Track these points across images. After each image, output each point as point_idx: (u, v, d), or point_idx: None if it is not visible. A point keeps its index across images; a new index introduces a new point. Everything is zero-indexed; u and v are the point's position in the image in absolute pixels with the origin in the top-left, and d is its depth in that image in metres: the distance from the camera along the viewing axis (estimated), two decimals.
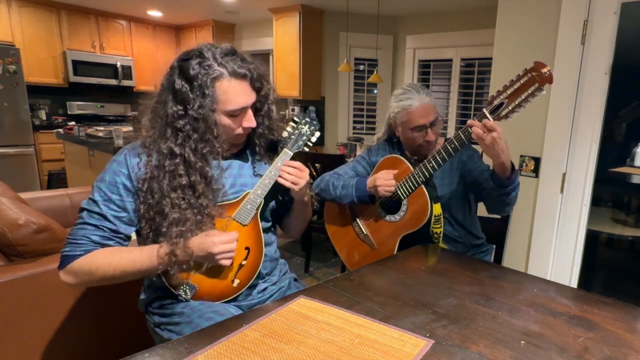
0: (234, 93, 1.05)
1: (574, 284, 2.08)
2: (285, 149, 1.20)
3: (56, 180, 4.66)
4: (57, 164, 4.76)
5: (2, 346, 1.29)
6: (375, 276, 1.17)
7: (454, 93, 4.47)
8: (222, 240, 1.05)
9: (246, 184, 1.18)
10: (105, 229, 1.03)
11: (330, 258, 3.46)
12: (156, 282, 1.15)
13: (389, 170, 1.52)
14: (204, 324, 1.00)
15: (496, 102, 1.24)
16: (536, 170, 2.08)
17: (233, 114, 1.08)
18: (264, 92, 1.15)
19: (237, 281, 1.14)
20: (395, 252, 1.54)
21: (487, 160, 1.48)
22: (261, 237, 1.18)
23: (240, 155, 1.22)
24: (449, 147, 1.36)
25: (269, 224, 1.27)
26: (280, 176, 1.17)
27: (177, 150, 1.04)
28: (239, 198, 1.15)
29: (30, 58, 4.68)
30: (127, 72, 5.43)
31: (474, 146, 1.54)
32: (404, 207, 1.54)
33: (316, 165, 2.97)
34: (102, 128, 4.15)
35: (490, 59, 2.22)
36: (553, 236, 2.07)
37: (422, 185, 1.47)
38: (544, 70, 1.15)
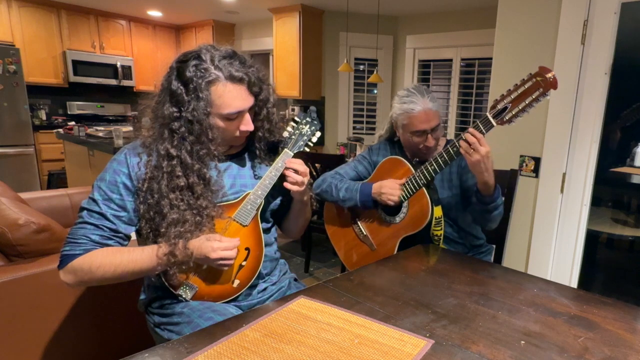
0: (229, 97, 1.05)
1: (574, 284, 2.08)
2: (285, 149, 1.20)
3: (56, 180, 4.66)
4: (57, 164, 4.77)
5: (2, 346, 1.29)
6: (375, 276, 1.17)
7: (454, 93, 4.47)
8: (222, 247, 1.04)
9: (246, 184, 1.18)
10: (105, 228, 1.03)
11: (330, 258, 3.46)
12: (156, 282, 1.15)
13: (396, 180, 1.52)
14: (204, 324, 1.00)
15: (500, 106, 1.24)
16: (536, 170, 2.08)
17: (229, 118, 1.07)
18: (263, 96, 1.14)
19: (237, 282, 1.14)
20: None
21: None
22: (261, 238, 1.18)
23: (240, 155, 1.22)
24: (451, 151, 1.36)
25: (269, 224, 1.27)
26: (284, 178, 1.16)
27: (173, 152, 1.04)
28: (239, 198, 1.15)
29: (30, 58, 4.68)
30: (127, 72, 5.43)
31: None
32: (404, 209, 1.54)
33: (316, 165, 2.97)
34: (102, 128, 4.15)
35: (490, 59, 2.22)
36: (553, 236, 2.07)
37: (423, 188, 1.47)
38: (549, 75, 1.15)
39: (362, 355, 0.79)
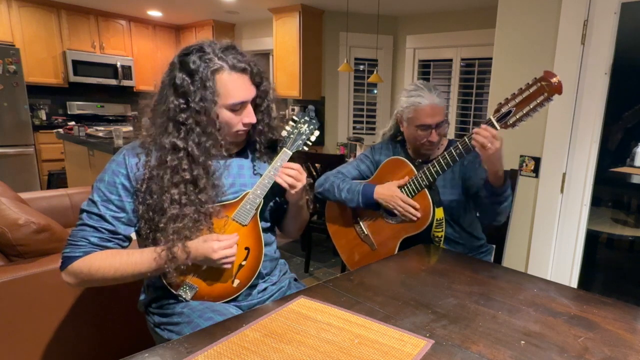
0: (234, 86, 1.06)
1: (574, 284, 2.08)
2: (284, 149, 1.20)
3: (56, 180, 4.66)
4: (57, 164, 4.77)
5: (2, 346, 1.29)
6: (375, 276, 1.17)
7: (454, 93, 4.47)
8: (221, 246, 1.04)
9: (246, 183, 1.18)
10: (103, 230, 1.03)
11: (330, 258, 3.46)
12: (156, 282, 1.15)
13: (395, 182, 1.52)
14: (204, 324, 1.00)
15: (504, 110, 1.24)
16: (536, 170, 2.08)
17: (233, 109, 1.08)
18: (263, 87, 1.16)
19: (237, 281, 1.14)
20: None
21: None
22: (261, 237, 1.18)
23: (240, 155, 1.22)
24: (454, 152, 1.36)
25: (269, 224, 1.26)
26: (279, 176, 1.16)
27: (180, 144, 1.04)
28: (238, 198, 1.15)
29: (30, 58, 4.68)
30: (127, 72, 5.43)
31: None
32: None
33: (316, 165, 2.97)
34: (102, 128, 4.15)
35: (490, 59, 2.21)
36: (553, 236, 2.07)
37: (425, 189, 1.47)
38: (554, 80, 1.15)
39: (362, 355, 0.79)
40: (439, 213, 1.49)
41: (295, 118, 1.23)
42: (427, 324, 0.91)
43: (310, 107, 1.27)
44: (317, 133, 1.24)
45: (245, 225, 1.15)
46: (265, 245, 1.19)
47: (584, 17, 1.86)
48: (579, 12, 1.86)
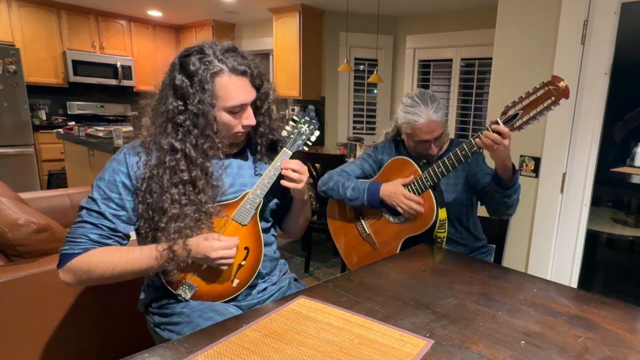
0: (233, 89, 1.06)
1: (574, 284, 2.08)
2: (284, 148, 1.20)
3: (56, 180, 4.66)
4: (57, 164, 4.76)
5: (2, 346, 1.29)
6: (375, 276, 1.17)
7: (454, 93, 4.47)
8: (222, 246, 1.05)
9: (246, 183, 1.18)
10: (103, 227, 1.03)
11: (330, 258, 3.46)
12: (156, 282, 1.15)
13: (400, 180, 1.52)
14: (204, 324, 1.00)
15: (511, 113, 1.24)
16: (536, 170, 2.08)
17: (233, 111, 1.08)
18: (264, 89, 1.16)
19: (236, 281, 1.14)
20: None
21: (489, 162, 1.48)
22: (260, 237, 1.18)
23: (240, 155, 1.22)
24: (459, 154, 1.36)
25: (269, 224, 1.26)
26: (283, 177, 1.16)
27: (177, 145, 1.04)
28: (238, 198, 1.15)
29: (30, 58, 4.68)
30: (127, 72, 5.43)
31: None
32: None
33: (316, 165, 2.97)
34: (102, 128, 4.15)
35: (490, 59, 2.21)
36: (553, 236, 2.07)
37: (429, 190, 1.47)
38: (561, 84, 1.16)
39: (362, 355, 0.79)
40: (442, 214, 1.49)
41: (296, 118, 1.24)
42: (427, 324, 0.91)
43: (311, 107, 1.27)
44: (317, 133, 1.24)
45: (245, 225, 1.15)
46: (265, 245, 1.19)
47: (584, 17, 1.86)
48: (579, 12, 1.86)
